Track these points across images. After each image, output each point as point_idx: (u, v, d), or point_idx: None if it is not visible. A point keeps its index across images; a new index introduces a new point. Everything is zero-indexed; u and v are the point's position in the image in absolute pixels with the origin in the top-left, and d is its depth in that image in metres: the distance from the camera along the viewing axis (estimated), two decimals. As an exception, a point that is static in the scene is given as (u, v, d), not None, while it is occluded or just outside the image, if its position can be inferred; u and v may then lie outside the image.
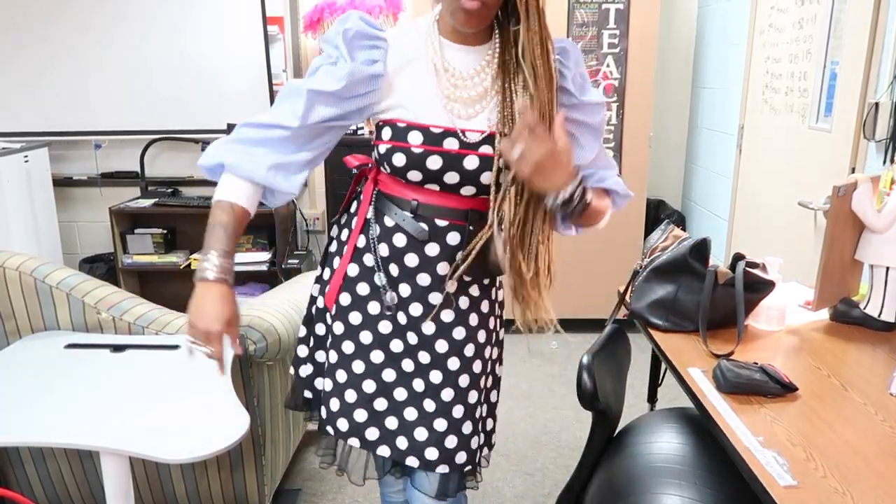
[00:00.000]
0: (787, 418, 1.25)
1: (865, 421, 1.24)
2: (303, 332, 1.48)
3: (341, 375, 1.35)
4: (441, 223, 1.28)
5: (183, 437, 1.37)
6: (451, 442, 1.33)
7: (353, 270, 1.34)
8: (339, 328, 1.35)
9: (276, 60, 3.93)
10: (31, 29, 3.86)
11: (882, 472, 1.09)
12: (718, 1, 3.74)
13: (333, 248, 1.41)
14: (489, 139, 1.23)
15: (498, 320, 1.45)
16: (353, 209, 1.39)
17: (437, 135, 1.22)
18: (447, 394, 1.33)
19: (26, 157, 3.63)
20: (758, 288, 1.61)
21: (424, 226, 1.27)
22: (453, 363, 1.33)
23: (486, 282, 1.38)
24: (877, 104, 2.18)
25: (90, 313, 1.89)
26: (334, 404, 1.36)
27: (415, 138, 1.22)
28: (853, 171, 2.34)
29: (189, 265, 3.92)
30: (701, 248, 1.62)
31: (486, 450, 1.46)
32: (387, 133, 1.25)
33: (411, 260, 1.29)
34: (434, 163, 1.23)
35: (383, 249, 1.31)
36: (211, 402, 1.51)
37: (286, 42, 3.97)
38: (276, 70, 3.92)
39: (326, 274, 1.41)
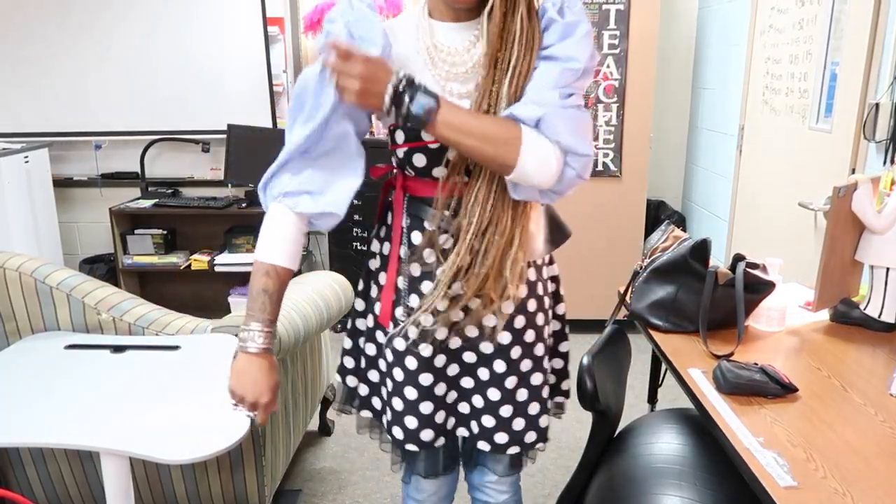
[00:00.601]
0: (788, 419, 1.25)
1: (865, 421, 1.24)
2: (348, 343, 1.48)
3: (411, 392, 1.32)
4: None
5: (183, 438, 1.37)
6: (518, 424, 1.35)
7: (401, 283, 1.31)
8: (400, 344, 1.32)
9: (276, 61, 3.93)
10: (31, 30, 3.86)
11: (882, 473, 1.09)
12: (719, 2, 3.74)
13: (377, 263, 1.38)
14: None
15: (551, 297, 1.43)
16: (389, 221, 1.36)
17: None
18: (511, 381, 1.33)
19: (27, 157, 3.64)
20: (758, 289, 1.61)
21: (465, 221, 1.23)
22: (515, 352, 1.33)
23: (538, 261, 1.36)
24: (877, 105, 2.18)
25: (90, 314, 1.89)
26: (411, 422, 1.34)
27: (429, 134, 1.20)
28: (853, 171, 2.34)
29: (189, 266, 3.92)
30: (701, 249, 1.62)
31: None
32: (400, 136, 1.23)
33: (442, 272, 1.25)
34: (455, 152, 1.20)
35: (428, 255, 1.27)
36: (211, 403, 1.51)
37: (286, 43, 3.97)
38: (276, 70, 3.92)
39: (374, 291, 1.38)
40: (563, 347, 1.51)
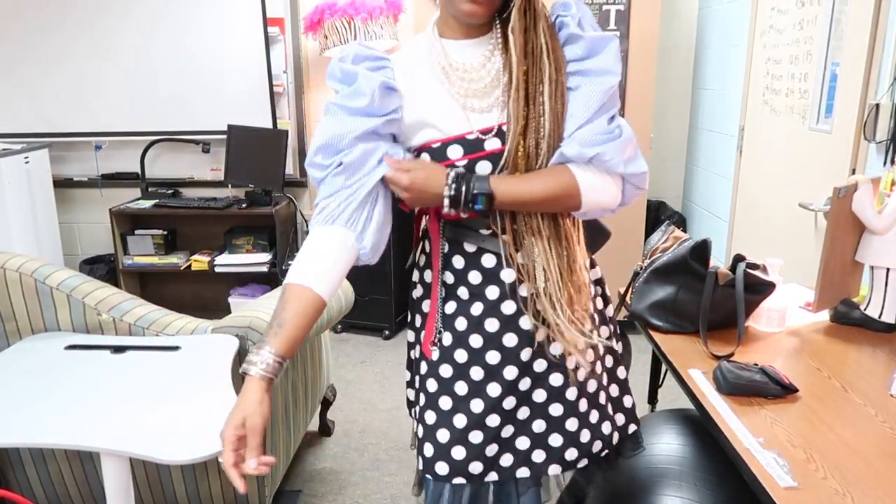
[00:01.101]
0: (788, 420, 1.25)
1: (866, 422, 1.24)
2: (408, 376, 1.48)
3: (460, 420, 1.27)
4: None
5: (183, 438, 1.37)
6: (585, 436, 1.30)
7: (449, 308, 1.28)
8: (446, 371, 1.28)
9: (276, 61, 3.93)
10: (31, 31, 3.86)
11: (882, 473, 1.09)
12: (719, 2, 3.74)
13: (419, 292, 1.36)
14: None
15: (599, 299, 1.39)
16: (427, 248, 1.33)
17: (474, 141, 1.18)
18: (571, 393, 1.28)
19: (27, 158, 3.64)
20: (758, 289, 1.61)
21: (506, 237, 1.21)
22: (570, 361, 1.27)
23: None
24: (877, 105, 2.18)
25: (90, 314, 1.89)
26: (458, 452, 1.27)
27: (454, 152, 1.19)
28: (853, 172, 2.34)
29: (189, 266, 3.92)
30: (701, 250, 1.62)
31: (631, 426, 1.42)
32: (426, 159, 1.21)
33: (507, 275, 1.24)
34: (484, 168, 1.18)
35: (474, 277, 1.25)
36: (211, 403, 1.51)
37: (287, 43, 3.97)
38: (276, 71, 3.92)
39: (418, 321, 1.36)
40: (620, 373, 1.42)
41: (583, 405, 1.30)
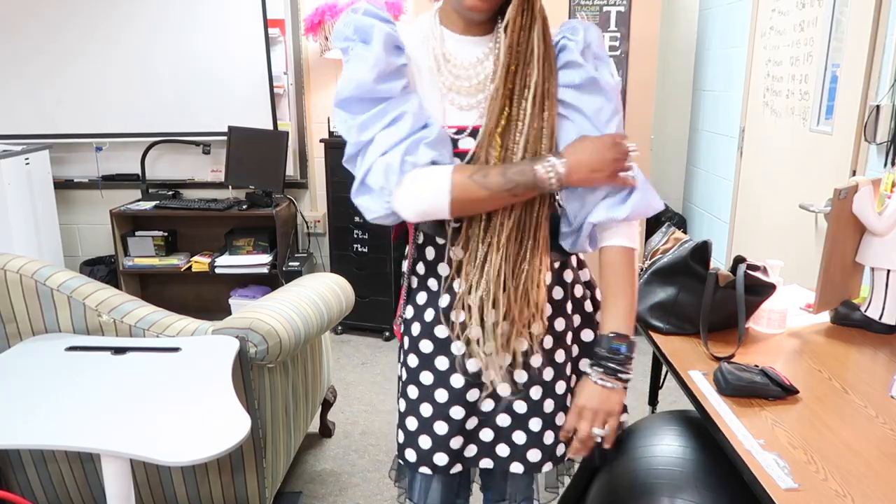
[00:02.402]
0: (788, 421, 1.25)
1: (866, 423, 1.24)
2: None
3: (426, 409, 1.29)
4: None
5: (184, 440, 1.37)
6: (549, 438, 1.30)
7: (421, 298, 1.31)
8: (412, 360, 1.31)
9: (277, 62, 3.94)
10: (32, 32, 3.87)
11: (883, 475, 1.09)
12: (719, 4, 3.74)
13: (402, 280, 1.37)
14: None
15: (588, 302, 1.38)
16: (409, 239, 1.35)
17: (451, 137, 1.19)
18: (535, 392, 1.28)
19: (27, 159, 3.64)
20: (759, 291, 1.61)
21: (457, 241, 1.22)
22: (536, 360, 1.27)
23: (556, 265, 1.29)
24: (878, 107, 2.18)
25: (91, 316, 1.89)
26: (424, 441, 1.30)
27: None
28: (854, 173, 2.34)
29: (190, 267, 3.93)
30: (702, 251, 1.62)
31: None
32: None
33: (458, 284, 1.23)
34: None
35: (443, 269, 1.27)
36: (212, 405, 1.51)
37: (287, 44, 3.97)
38: (277, 72, 3.92)
39: (409, 312, 1.35)
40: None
41: (548, 406, 1.30)
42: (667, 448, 1.51)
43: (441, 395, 1.28)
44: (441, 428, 1.28)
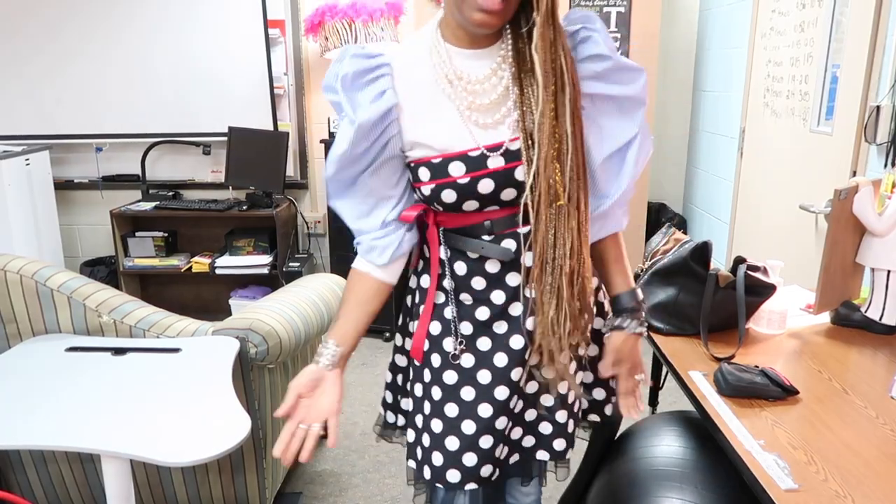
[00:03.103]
0: (789, 422, 1.25)
1: (866, 424, 1.24)
2: (389, 377, 1.48)
3: (469, 427, 1.26)
4: (508, 237, 1.22)
5: (184, 441, 1.37)
6: (570, 427, 1.34)
7: (449, 313, 1.27)
8: (450, 377, 1.27)
9: (277, 63, 3.94)
10: (32, 32, 3.87)
11: (883, 475, 1.08)
12: (720, 4, 3.74)
13: (417, 297, 1.35)
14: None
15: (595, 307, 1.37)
16: (426, 255, 1.31)
17: (477, 158, 1.14)
18: (562, 386, 1.28)
19: (27, 159, 3.64)
20: (759, 291, 1.61)
21: (509, 246, 1.20)
22: (564, 355, 1.24)
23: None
24: (878, 107, 2.18)
25: (91, 316, 1.89)
26: (469, 459, 1.26)
27: (456, 169, 1.15)
28: (854, 174, 2.34)
29: (190, 268, 3.93)
30: (702, 252, 1.62)
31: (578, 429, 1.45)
32: (425, 174, 1.17)
33: (512, 279, 1.23)
34: (486, 186, 1.15)
35: (478, 283, 1.24)
36: (212, 406, 1.51)
37: (287, 45, 3.97)
38: (277, 73, 3.92)
39: (412, 326, 1.34)
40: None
41: (571, 397, 1.33)
42: (667, 448, 1.51)
43: (485, 410, 1.24)
44: (486, 442, 1.25)
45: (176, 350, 1.78)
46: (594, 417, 1.45)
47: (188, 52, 3.89)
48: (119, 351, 1.77)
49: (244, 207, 3.87)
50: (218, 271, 3.87)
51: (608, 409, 1.43)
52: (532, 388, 1.30)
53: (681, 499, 1.34)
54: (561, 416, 1.32)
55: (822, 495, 1.04)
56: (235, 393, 1.55)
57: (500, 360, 1.24)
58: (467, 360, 1.26)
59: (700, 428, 1.53)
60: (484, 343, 1.25)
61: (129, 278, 4.04)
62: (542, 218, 1.13)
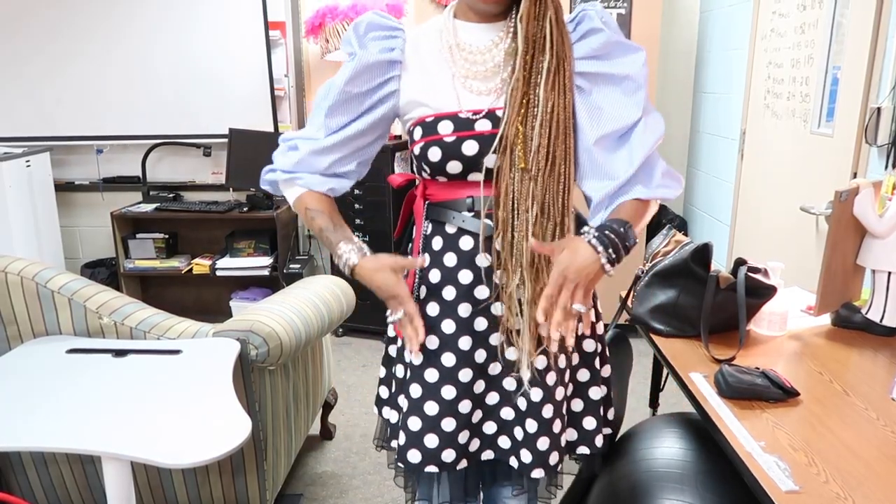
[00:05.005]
0: (789, 423, 1.25)
1: (867, 426, 1.24)
2: (382, 372, 1.48)
3: (431, 407, 1.28)
4: (488, 217, 1.24)
5: (184, 442, 1.37)
6: (542, 444, 1.29)
7: (423, 292, 1.30)
8: (416, 357, 1.29)
9: (277, 65, 3.94)
10: (33, 35, 3.87)
11: (884, 477, 1.08)
12: (720, 6, 3.74)
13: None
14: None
15: (591, 311, 1.38)
16: (413, 232, 1.36)
17: (466, 120, 1.21)
18: (536, 393, 1.27)
19: (28, 161, 3.65)
20: (759, 293, 1.61)
21: (489, 221, 1.23)
22: (540, 362, 1.26)
23: None
24: (878, 109, 2.18)
25: (92, 318, 1.89)
26: (431, 440, 1.28)
27: (445, 128, 1.21)
28: (855, 175, 2.34)
29: (191, 270, 3.93)
30: (703, 253, 1.62)
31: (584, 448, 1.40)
32: (418, 132, 1.24)
33: (482, 260, 1.25)
34: (470, 147, 1.20)
35: (449, 259, 1.27)
36: (212, 407, 1.51)
37: (288, 47, 3.98)
38: (277, 75, 3.93)
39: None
40: (605, 372, 1.42)
41: (546, 411, 1.28)
42: (667, 450, 1.51)
43: (448, 392, 1.27)
44: (449, 424, 1.27)
45: (176, 352, 1.78)
46: (583, 450, 1.39)
47: (189, 54, 3.89)
48: (120, 353, 1.77)
49: (245, 209, 3.87)
50: (218, 273, 3.87)
51: (598, 440, 1.39)
52: (495, 369, 1.29)
53: (681, 500, 1.34)
54: (531, 425, 1.28)
55: (823, 497, 1.04)
56: (236, 394, 1.55)
57: (464, 343, 1.27)
58: (431, 342, 1.28)
59: (701, 430, 1.53)
60: (448, 326, 1.27)
61: (129, 280, 4.04)
62: (504, 180, 1.18)
